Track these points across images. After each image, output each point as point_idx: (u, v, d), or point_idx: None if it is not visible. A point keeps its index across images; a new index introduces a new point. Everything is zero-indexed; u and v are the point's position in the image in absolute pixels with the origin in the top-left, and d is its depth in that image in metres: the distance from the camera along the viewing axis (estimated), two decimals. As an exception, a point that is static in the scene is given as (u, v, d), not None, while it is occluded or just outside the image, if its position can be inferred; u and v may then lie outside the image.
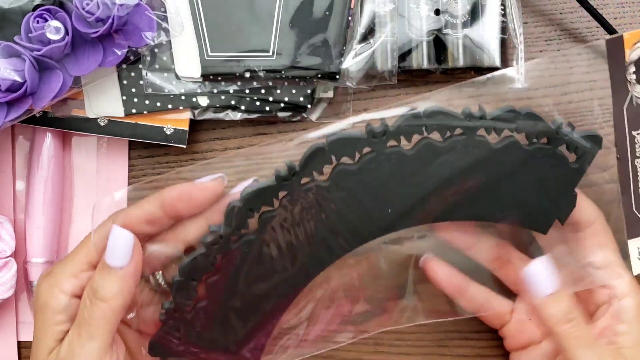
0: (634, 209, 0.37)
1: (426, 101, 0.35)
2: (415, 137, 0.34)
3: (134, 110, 0.41)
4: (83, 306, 0.33)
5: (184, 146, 0.42)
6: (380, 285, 0.41)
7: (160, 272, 0.37)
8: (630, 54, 0.36)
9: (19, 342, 0.44)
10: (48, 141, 0.42)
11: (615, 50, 0.35)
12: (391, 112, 0.35)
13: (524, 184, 0.35)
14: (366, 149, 0.34)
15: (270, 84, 0.41)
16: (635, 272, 0.37)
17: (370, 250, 0.39)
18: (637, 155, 0.37)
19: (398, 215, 0.35)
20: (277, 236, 0.35)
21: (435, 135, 0.34)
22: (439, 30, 0.41)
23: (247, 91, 0.41)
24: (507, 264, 0.39)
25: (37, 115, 0.40)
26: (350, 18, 0.41)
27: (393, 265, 0.40)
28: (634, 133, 0.36)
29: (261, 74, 0.40)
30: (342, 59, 0.40)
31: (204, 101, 0.41)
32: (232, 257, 0.35)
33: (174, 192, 0.34)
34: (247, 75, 0.40)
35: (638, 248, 0.37)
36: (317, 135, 0.35)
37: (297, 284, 0.36)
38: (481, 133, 0.34)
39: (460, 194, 0.35)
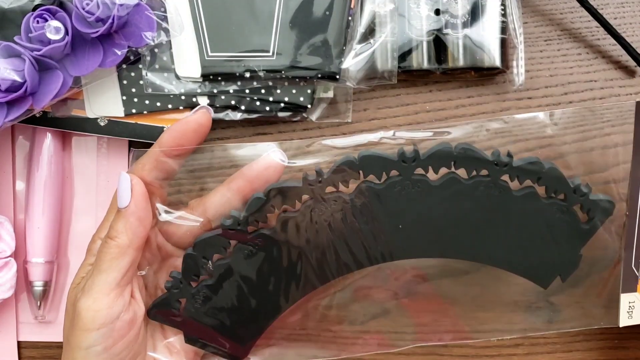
0: (633, 266, 0.38)
1: (454, 128, 0.36)
2: (442, 170, 0.35)
3: (134, 110, 0.41)
4: (100, 245, 0.36)
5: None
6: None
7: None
8: None
9: (19, 342, 0.44)
10: (48, 141, 0.42)
11: None
12: (422, 133, 0.36)
13: (535, 235, 0.37)
14: (394, 172, 0.35)
15: (270, 84, 0.41)
16: (622, 324, 0.39)
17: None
18: None
19: (410, 242, 0.37)
20: (290, 237, 0.36)
21: (461, 171, 0.35)
22: (439, 30, 0.41)
23: (247, 91, 0.41)
24: None
25: (37, 115, 0.40)
26: (350, 18, 0.41)
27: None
28: None
29: (261, 74, 0.40)
30: (342, 59, 0.40)
31: (204, 101, 0.41)
32: (245, 246, 0.36)
33: (167, 133, 0.37)
34: (247, 75, 0.40)
35: (629, 302, 0.39)
36: (344, 143, 0.36)
37: (299, 290, 0.37)
38: (504, 178, 0.35)
39: (472, 233, 0.37)
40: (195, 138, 0.37)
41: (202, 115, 0.37)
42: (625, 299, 0.39)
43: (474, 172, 0.35)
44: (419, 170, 0.35)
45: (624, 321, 0.39)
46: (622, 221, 0.38)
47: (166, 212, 0.37)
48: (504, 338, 0.42)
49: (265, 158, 0.37)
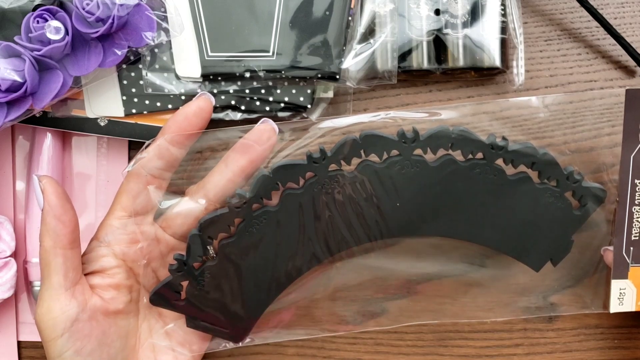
0: (623, 252, 0.39)
1: (450, 111, 0.37)
2: (440, 152, 0.36)
3: (134, 110, 0.41)
4: None
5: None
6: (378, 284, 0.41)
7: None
8: None
9: (19, 342, 0.44)
10: (48, 141, 0.42)
11: (633, 101, 0.36)
12: (417, 115, 0.37)
13: (527, 219, 0.37)
14: (394, 152, 0.36)
15: (270, 84, 0.41)
16: (612, 310, 0.39)
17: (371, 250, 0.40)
18: (636, 202, 0.38)
19: (407, 220, 0.37)
20: (294, 214, 0.37)
21: (458, 156, 0.36)
22: (439, 30, 0.41)
23: (247, 91, 0.41)
24: None
25: (37, 115, 0.40)
26: (350, 18, 0.41)
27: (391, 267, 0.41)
28: (636, 181, 0.38)
29: (261, 74, 0.40)
30: (342, 59, 0.40)
31: (204, 101, 0.41)
32: (250, 224, 0.36)
33: (171, 120, 0.37)
34: (247, 75, 0.40)
35: (620, 289, 0.39)
36: (345, 123, 0.37)
37: (302, 266, 0.38)
38: (499, 162, 0.36)
39: (467, 214, 0.37)
40: (197, 121, 0.37)
41: (203, 100, 0.37)
42: (616, 285, 0.39)
43: (470, 155, 0.36)
44: (418, 151, 0.36)
45: (615, 307, 0.39)
46: (612, 207, 0.39)
47: (164, 201, 0.37)
48: (496, 320, 0.43)
49: (258, 128, 0.37)
